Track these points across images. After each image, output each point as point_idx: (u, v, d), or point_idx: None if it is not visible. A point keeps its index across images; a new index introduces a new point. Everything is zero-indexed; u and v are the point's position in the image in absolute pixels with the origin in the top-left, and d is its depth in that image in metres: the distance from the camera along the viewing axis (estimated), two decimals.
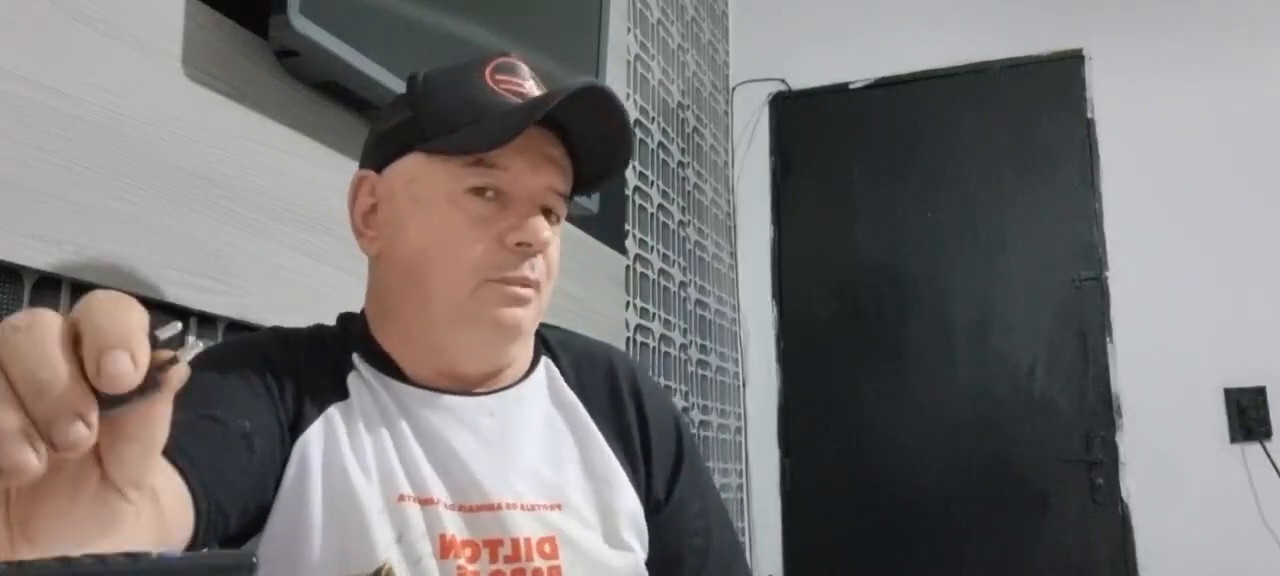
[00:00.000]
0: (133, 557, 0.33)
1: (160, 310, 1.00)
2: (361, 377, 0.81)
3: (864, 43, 3.21)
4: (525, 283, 0.80)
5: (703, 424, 2.75)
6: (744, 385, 3.17)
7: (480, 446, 0.80)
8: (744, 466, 3.11)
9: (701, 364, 2.79)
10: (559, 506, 0.81)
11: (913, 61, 3.14)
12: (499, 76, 0.82)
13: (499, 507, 0.78)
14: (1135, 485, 2.75)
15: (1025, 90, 3.03)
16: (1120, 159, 2.91)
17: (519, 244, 0.79)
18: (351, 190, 0.86)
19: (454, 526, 0.76)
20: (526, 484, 0.80)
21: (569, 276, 1.92)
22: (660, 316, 2.48)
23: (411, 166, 0.81)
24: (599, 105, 0.80)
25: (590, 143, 0.84)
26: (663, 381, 2.46)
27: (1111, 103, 2.94)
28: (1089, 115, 2.96)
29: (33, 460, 0.34)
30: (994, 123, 3.04)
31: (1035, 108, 3.01)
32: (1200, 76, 2.86)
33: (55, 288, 0.90)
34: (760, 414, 3.14)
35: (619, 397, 0.92)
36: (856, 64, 3.20)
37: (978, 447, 2.89)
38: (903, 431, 2.97)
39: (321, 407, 0.77)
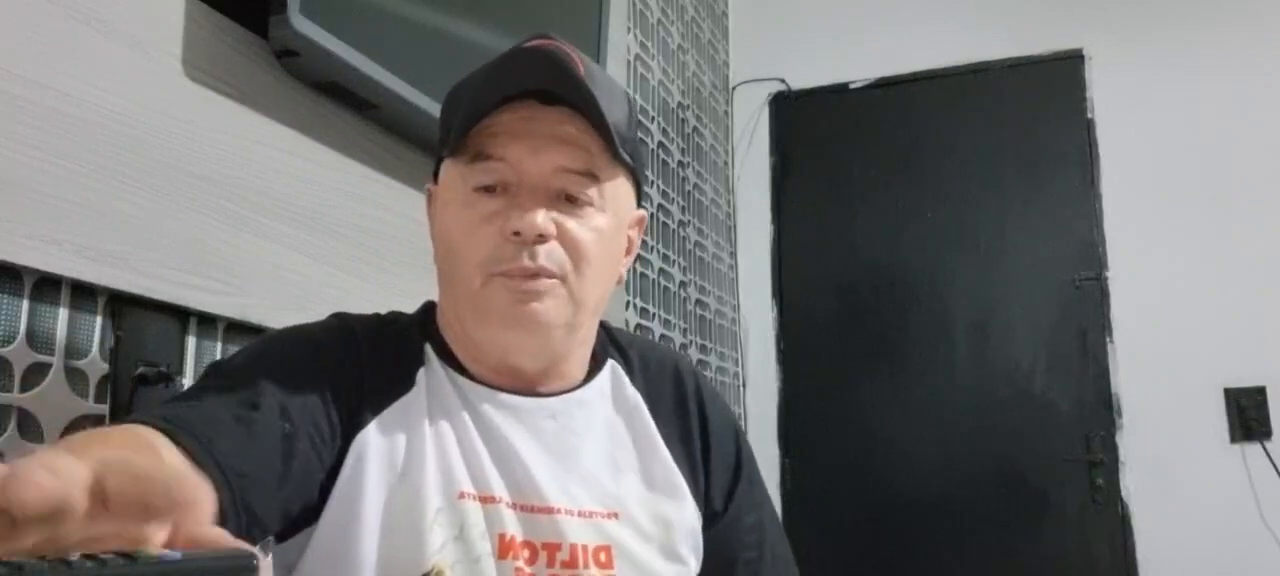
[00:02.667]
0: (129, 557, 0.33)
1: (160, 310, 1.00)
2: (432, 370, 0.80)
3: (864, 43, 3.21)
4: (528, 273, 0.76)
5: None
6: (744, 385, 3.17)
7: (540, 450, 0.79)
8: None
9: (701, 364, 2.79)
10: (616, 515, 0.80)
11: (913, 61, 3.14)
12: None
13: (557, 512, 0.77)
14: (1135, 485, 2.75)
15: (1025, 90, 3.03)
16: (1120, 159, 2.91)
17: (514, 233, 0.75)
18: (426, 206, 0.87)
19: (513, 526, 0.75)
20: (584, 491, 0.79)
21: None
22: (660, 316, 2.48)
23: (444, 174, 0.82)
24: (550, 66, 0.76)
25: (584, 109, 0.78)
26: None
27: (1111, 103, 2.94)
28: (1089, 115, 2.96)
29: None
30: (994, 123, 3.04)
31: (1035, 108, 3.01)
32: (1200, 76, 2.86)
33: (55, 287, 0.90)
34: (760, 414, 3.14)
35: (684, 403, 0.90)
36: (856, 64, 3.20)
37: (978, 447, 2.89)
38: (903, 431, 2.97)
39: (382, 403, 0.76)
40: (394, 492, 0.72)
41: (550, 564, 0.75)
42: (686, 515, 0.84)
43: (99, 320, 0.94)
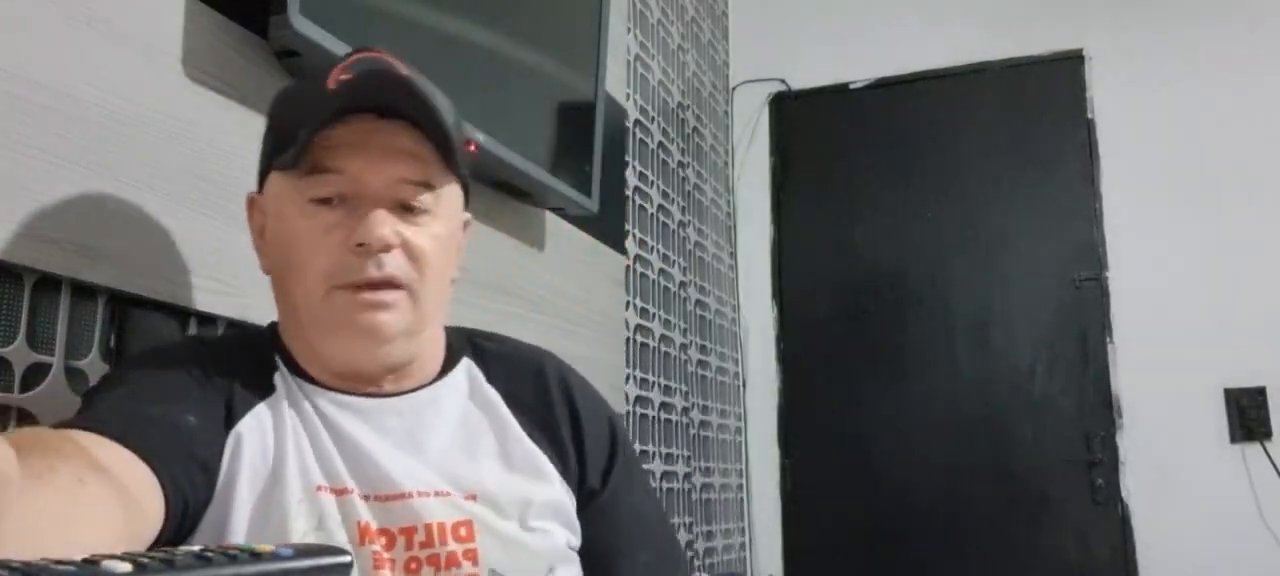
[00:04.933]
0: (232, 557, 0.34)
1: (160, 310, 1.00)
2: (284, 376, 0.83)
3: (864, 43, 3.21)
4: (374, 284, 0.78)
5: (703, 424, 2.75)
6: (744, 385, 3.17)
7: (388, 444, 0.81)
8: (744, 466, 3.11)
9: (701, 364, 2.79)
10: (474, 497, 0.81)
11: (913, 61, 3.14)
12: (342, 77, 0.81)
13: (410, 496, 0.78)
14: (1135, 485, 2.75)
15: (1025, 90, 3.03)
16: (1120, 159, 2.91)
17: (359, 245, 0.77)
18: (247, 214, 0.88)
19: (367, 515, 0.77)
20: (437, 476, 0.81)
21: (569, 276, 1.93)
22: (660, 316, 2.48)
23: (272, 186, 0.83)
24: (395, 86, 0.78)
25: (425, 125, 0.80)
26: (663, 381, 2.46)
27: (1111, 103, 2.94)
28: (1089, 115, 2.96)
29: None
30: (994, 123, 3.04)
31: (1035, 108, 3.01)
32: (1200, 76, 2.86)
33: (55, 287, 0.90)
34: (760, 414, 3.14)
35: (546, 394, 0.92)
36: (856, 64, 3.20)
37: (978, 448, 2.89)
38: (903, 431, 2.97)
39: (250, 403, 0.78)
40: (262, 486, 0.75)
41: (408, 546, 0.77)
42: (548, 493, 0.86)
43: (99, 320, 0.94)
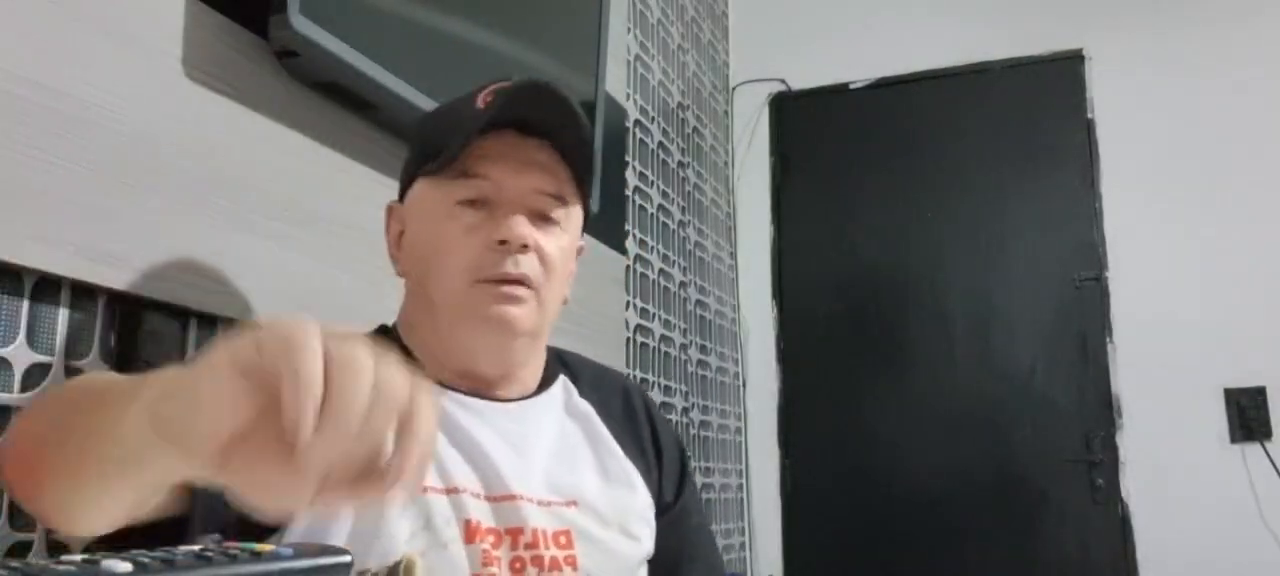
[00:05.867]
0: (231, 557, 0.34)
1: (160, 310, 1.00)
2: None
3: (864, 43, 3.21)
4: (511, 280, 0.84)
5: (703, 424, 2.75)
6: (744, 385, 3.17)
7: (503, 444, 0.86)
8: (744, 466, 3.11)
9: (701, 364, 2.79)
10: (574, 503, 0.87)
11: (913, 61, 3.14)
12: (489, 98, 0.87)
13: (518, 499, 0.83)
14: (1135, 485, 2.75)
15: (1025, 90, 3.03)
16: (1120, 159, 2.91)
17: (500, 242, 0.84)
18: (384, 221, 0.94)
19: (479, 513, 0.81)
20: (542, 483, 0.86)
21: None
22: (660, 316, 2.48)
23: (417, 192, 0.90)
24: (550, 99, 0.85)
25: (566, 140, 0.88)
26: (663, 381, 2.46)
27: (1111, 103, 2.94)
28: (1089, 115, 2.96)
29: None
30: (994, 123, 3.04)
31: (1035, 108, 3.01)
32: (1200, 76, 2.86)
33: (55, 288, 0.90)
34: (760, 414, 3.14)
35: (633, 413, 1.02)
36: (856, 64, 3.20)
37: (978, 447, 2.89)
38: (903, 431, 2.97)
39: None
40: None
41: (514, 546, 0.81)
42: (640, 502, 0.94)
43: (99, 320, 0.94)
